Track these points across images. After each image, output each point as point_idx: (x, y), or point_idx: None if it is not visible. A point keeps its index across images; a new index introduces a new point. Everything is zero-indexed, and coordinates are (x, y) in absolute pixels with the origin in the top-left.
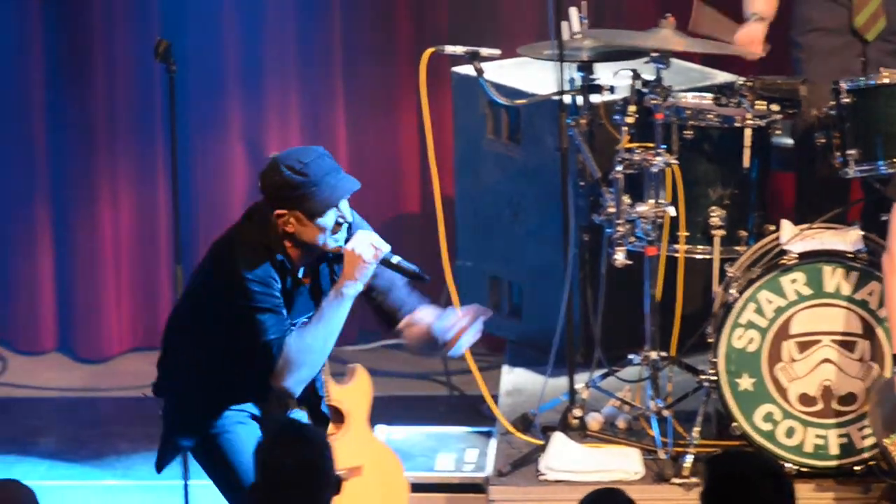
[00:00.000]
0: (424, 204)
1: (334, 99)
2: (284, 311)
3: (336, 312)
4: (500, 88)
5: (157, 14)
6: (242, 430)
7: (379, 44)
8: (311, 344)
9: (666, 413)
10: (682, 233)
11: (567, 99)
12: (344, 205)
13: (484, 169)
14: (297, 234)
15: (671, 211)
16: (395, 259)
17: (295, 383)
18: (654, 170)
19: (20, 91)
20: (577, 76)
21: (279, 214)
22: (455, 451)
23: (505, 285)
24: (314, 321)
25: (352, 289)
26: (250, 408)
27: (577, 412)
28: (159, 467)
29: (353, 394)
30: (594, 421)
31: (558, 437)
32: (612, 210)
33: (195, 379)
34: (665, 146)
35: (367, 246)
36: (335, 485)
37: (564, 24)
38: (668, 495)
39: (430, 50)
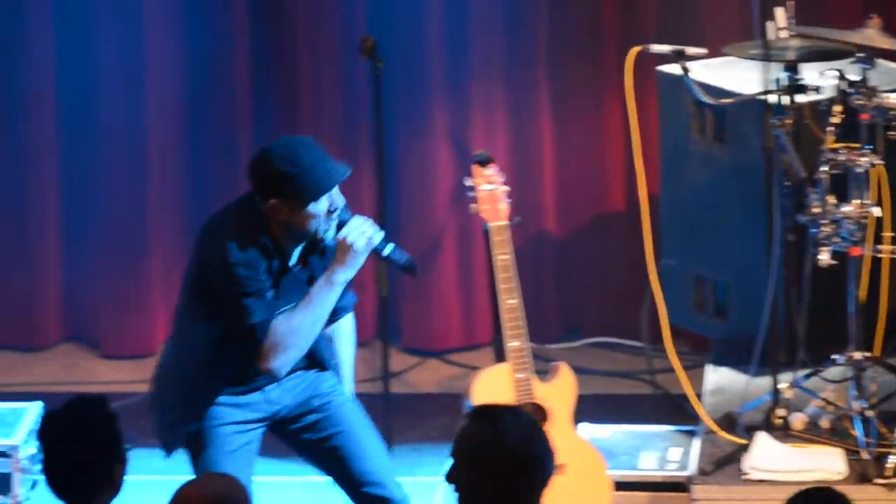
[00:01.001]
0: (629, 202)
1: (540, 98)
2: (270, 295)
3: (325, 299)
4: (705, 88)
5: (362, 11)
6: (234, 437)
7: (585, 42)
8: (297, 327)
9: (869, 413)
10: (887, 233)
11: (772, 99)
12: (335, 192)
13: (689, 168)
14: (290, 222)
15: (876, 211)
16: (387, 250)
17: (281, 365)
18: (859, 170)
19: (226, 92)
20: (783, 76)
21: (272, 205)
22: (658, 450)
23: (710, 284)
24: (303, 305)
25: (342, 276)
26: (248, 413)
27: (781, 412)
28: (168, 452)
29: (556, 392)
30: (798, 421)
31: (762, 437)
32: (816, 210)
33: (190, 362)
34: (870, 147)
35: (360, 234)
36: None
37: (770, 24)
38: (870, 496)
39: (636, 49)
